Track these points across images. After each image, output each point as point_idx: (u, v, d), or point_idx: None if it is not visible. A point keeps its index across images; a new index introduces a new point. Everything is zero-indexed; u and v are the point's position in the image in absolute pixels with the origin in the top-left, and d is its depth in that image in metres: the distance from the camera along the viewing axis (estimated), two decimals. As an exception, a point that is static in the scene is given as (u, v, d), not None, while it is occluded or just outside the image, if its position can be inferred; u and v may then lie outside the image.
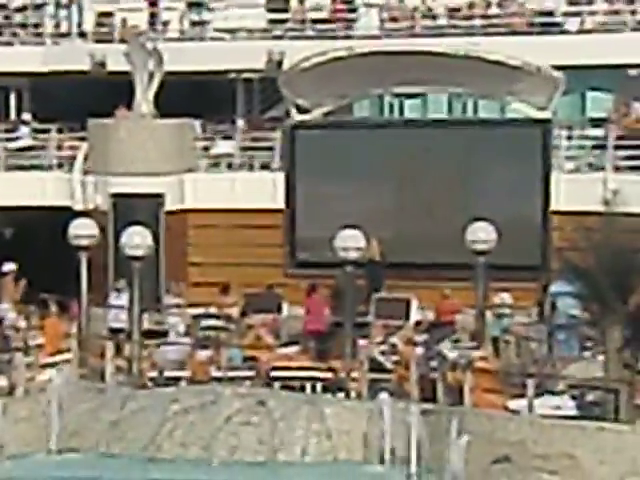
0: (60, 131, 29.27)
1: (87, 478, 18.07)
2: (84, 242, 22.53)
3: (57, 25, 31.25)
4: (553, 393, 18.97)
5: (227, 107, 29.59)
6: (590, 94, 28.62)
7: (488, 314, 22.41)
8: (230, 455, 18.48)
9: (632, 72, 27.84)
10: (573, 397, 18.81)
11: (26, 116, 30.88)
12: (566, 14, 28.90)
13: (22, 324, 23.27)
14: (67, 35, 30.95)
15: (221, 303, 25.26)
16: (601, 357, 19.43)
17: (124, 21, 30.13)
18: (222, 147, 28.82)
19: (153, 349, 22.18)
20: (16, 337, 22.36)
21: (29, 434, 19.21)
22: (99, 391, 20.31)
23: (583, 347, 20.97)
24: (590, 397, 18.66)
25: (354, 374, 20.37)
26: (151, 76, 27.65)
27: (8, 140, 29.55)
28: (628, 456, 16.86)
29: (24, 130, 30.08)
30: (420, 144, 27.11)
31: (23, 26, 31.34)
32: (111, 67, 28.74)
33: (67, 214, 25.11)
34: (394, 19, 29.65)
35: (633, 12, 28.38)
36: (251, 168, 28.41)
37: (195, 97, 28.36)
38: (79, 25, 31.12)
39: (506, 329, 22.37)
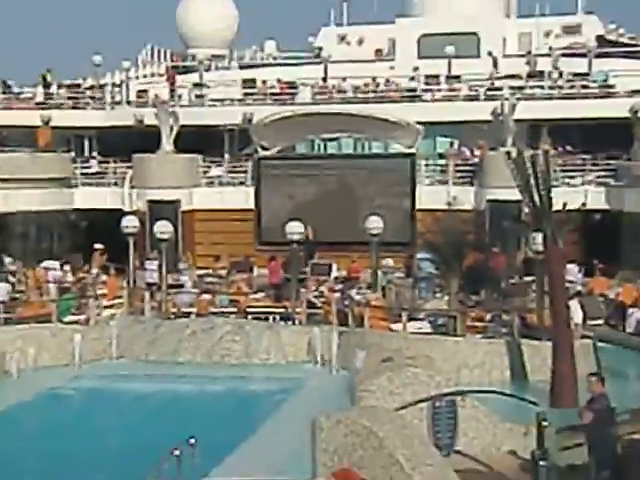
0: (115, 162, 28.95)
1: (134, 374, 17.87)
2: (131, 230, 22.43)
3: (113, 97, 30.89)
4: (417, 319, 19.21)
5: (218, 146, 29.44)
6: (439, 139, 28.62)
7: (379, 272, 22.49)
8: (222, 359, 18.50)
9: (464, 125, 27.86)
10: (429, 321, 19.09)
11: (94, 153, 30.57)
12: (424, 90, 28.91)
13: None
14: (119, 103, 30.66)
15: (215, 266, 25.24)
16: (446, 297, 19.78)
17: (155, 95, 29.92)
18: (215, 171, 28.64)
19: (174, 295, 22.10)
20: (90, 289, 22.36)
21: (98, 348, 19.06)
22: (141, 322, 20.28)
23: (435, 291, 21.18)
24: (439, 321, 18.95)
25: (298, 310, 20.35)
26: (171, 128, 27.47)
27: (83, 167, 29.24)
28: (461, 356, 17.17)
29: (93, 162, 29.77)
30: (337, 168, 27.04)
31: (92, 98, 31.04)
32: (147, 122, 28.47)
33: (120, 213, 24.97)
34: (320, 93, 29.66)
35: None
36: (233, 184, 28.21)
37: (198, 141, 28.22)
38: (127, 97, 30.90)
39: (389, 281, 22.52)
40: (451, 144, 28.51)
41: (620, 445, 9.08)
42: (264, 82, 30.60)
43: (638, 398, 14.78)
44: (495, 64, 29.38)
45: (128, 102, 30.62)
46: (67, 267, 24.99)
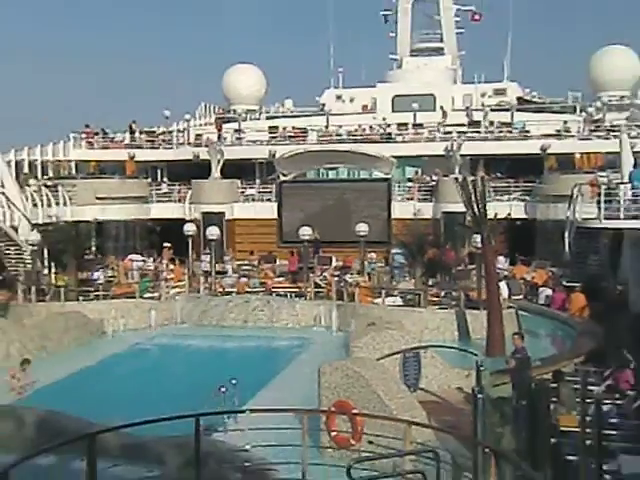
0: (179, 185, 28.76)
1: (192, 335, 17.96)
2: (190, 233, 22.35)
3: (178, 139, 30.79)
4: (392, 295, 19.17)
5: (252, 174, 29.34)
6: (407, 168, 28.38)
7: (365, 262, 22.37)
8: (255, 324, 18.60)
9: (425, 158, 27.79)
10: (401, 297, 19.04)
11: (164, 179, 30.52)
12: (396, 134, 28.75)
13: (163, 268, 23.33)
14: (182, 144, 30.54)
15: (250, 258, 25.16)
16: (413, 280, 19.74)
17: (207, 137, 29.88)
18: (250, 191, 28.45)
19: (220, 279, 22.04)
20: (162, 274, 22.38)
21: (167, 317, 19.25)
22: (197, 298, 20.34)
23: (405, 276, 21.12)
24: (409, 297, 18.88)
25: (308, 289, 20.28)
26: (218, 161, 27.35)
27: (157, 189, 29.12)
28: (424, 321, 17.23)
29: (163, 185, 29.65)
30: (336, 189, 26.82)
31: (163, 140, 30.93)
32: (202, 157, 28.34)
33: (182, 221, 24.85)
34: (323, 136, 29.60)
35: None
36: (262, 201, 28.05)
37: (238, 170, 28.11)
38: (187, 139, 30.83)
39: (373, 268, 22.46)
40: (416, 172, 28.38)
41: (533, 383, 9.12)
42: (284, 128, 30.46)
43: (546, 350, 14.90)
44: (445, 116, 29.38)
45: (189, 143, 30.44)
46: (147, 259, 25.05)
